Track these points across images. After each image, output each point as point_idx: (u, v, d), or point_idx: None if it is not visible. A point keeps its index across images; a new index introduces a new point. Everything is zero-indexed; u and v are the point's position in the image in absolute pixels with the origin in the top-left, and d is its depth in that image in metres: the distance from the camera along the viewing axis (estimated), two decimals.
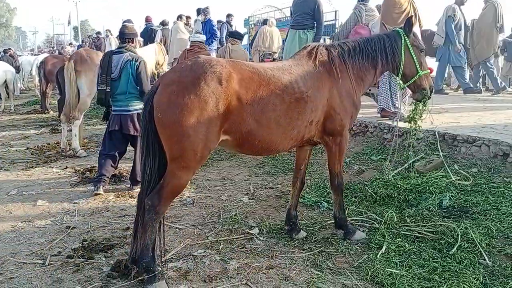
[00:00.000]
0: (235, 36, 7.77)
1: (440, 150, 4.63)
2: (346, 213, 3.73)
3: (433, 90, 3.79)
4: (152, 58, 8.45)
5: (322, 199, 4.53)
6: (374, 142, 5.55)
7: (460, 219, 3.61)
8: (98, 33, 18.77)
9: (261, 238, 3.79)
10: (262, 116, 2.93)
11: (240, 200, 4.77)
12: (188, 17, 11.08)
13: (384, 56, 3.57)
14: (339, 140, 3.46)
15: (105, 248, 3.67)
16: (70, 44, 27.28)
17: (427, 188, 4.09)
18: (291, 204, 3.77)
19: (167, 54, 9.89)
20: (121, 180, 5.60)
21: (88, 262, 3.43)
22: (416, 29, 5.61)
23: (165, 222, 4.05)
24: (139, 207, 3.01)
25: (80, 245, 3.75)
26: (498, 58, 11.07)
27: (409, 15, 5.54)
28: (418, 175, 4.44)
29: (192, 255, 3.52)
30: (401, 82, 3.83)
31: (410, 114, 4.07)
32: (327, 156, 3.59)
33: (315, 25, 6.95)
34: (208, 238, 3.85)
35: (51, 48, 33.53)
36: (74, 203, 4.83)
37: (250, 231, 3.89)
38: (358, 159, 5.36)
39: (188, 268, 3.30)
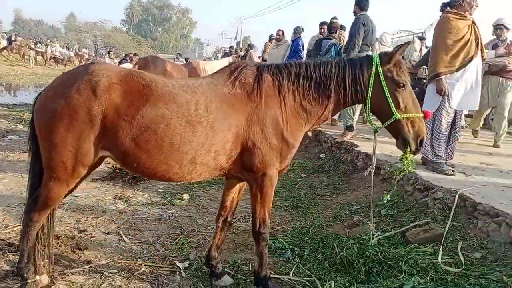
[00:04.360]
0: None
1: (450, 219, 3.52)
2: (267, 269, 3.08)
3: (422, 143, 2.84)
4: None
5: (291, 246, 3.86)
6: (396, 192, 4.53)
7: None
8: (231, 47, 20.46)
9: (183, 275, 3.40)
10: (140, 137, 2.57)
11: (212, 228, 4.37)
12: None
13: (341, 85, 2.83)
14: (260, 180, 2.86)
15: None
16: (222, 55, 29.77)
17: (400, 264, 3.13)
18: (212, 244, 3.29)
19: None
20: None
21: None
22: (477, 60, 4.49)
23: (121, 232, 4.10)
24: None
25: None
26: None
27: (470, 43, 4.45)
28: (404, 245, 3.45)
29: (103, 273, 3.33)
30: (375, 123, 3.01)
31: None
32: (250, 196, 3.02)
33: None
34: (138, 260, 3.60)
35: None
36: (75, 196, 5.05)
37: (178, 264, 3.52)
38: (368, 209, 4.43)
39: (83, 285, 3.12)
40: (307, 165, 6.51)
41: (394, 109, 2.76)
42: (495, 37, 6.94)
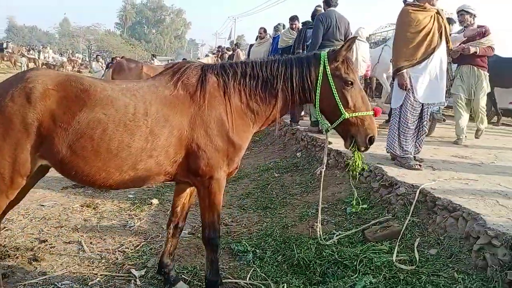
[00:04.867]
0: None
1: (410, 215, 3.45)
2: (218, 274, 3.02)
3: (372, 141, 2.75)
4: None
5: (254, 248, 3.79)
6: (363, 189, 4.46)
7: None
8: (219, 47, 20.61)
9: (138, 283, 3.32)
10: (77, 144, 2.49)
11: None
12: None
13: (289, 85, 2.77)
14: (208, 183, 2.78)
15: None
16: (207, 55, 29.64)
17: (355, 263, 3.06)
18: (164, 251, 3.21)
19: None
20: None
21: None
22: (441, 51, 4.41)
23: (82, 241, 4.02)
24: None
25: None
26: None
27: (432, 34, 4.37)
28: (363, 243, 3.38)
29: (55, 284, 3.26)
30: (327, 121, 2.94)
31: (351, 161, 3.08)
32: (199, 201, 2.95)
33: None
34: (95, 269, 3.53)
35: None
36: (41, 205, 4.99)
37: (134, 272, 3.44)
38: (334, 208, 4.37)
39: None
40: (283, 164, 6.44)
41: (343, 108, 2.69)
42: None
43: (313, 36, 6.35)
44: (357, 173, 3.09)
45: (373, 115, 2.77)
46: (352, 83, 2.71)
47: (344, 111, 2.68)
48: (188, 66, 2.83)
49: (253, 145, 8.36)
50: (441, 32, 4.40)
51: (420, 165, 4.51)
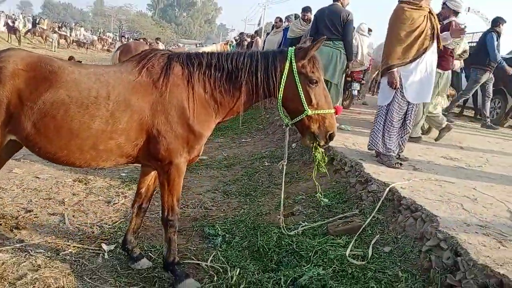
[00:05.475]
0: None
1: (374, 212, 3.47)
2: (175, 254, 3.13)
3: (332, 138, 2.85)
4: None
5: (224, 233, 3.90)
6: (342, 184, 4.49)
7: None
8: (241, 33, 20.68)
9: (106, 257, 3.49)
10: (41, 123, 2.64)
11: (157, 213, 4.44)
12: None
13: (253, 78, 2.84)
14: (167, 168, 2.90)
15: None
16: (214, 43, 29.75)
17: (310, 254, 3.13)
18: (128, 229, 3.36)
19: None
20: None
21: None
22: (431, 51, 4.36)
23: (65, 213, 4.21)
24: None
25: None
26: None
27: (425, 34, 4.31)
28: (323, 235, 3.43)
29: (29, 252, 3.45)
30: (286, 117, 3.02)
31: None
32: (159, 184, 3.06)
33: None
34: (69, 241, 3.71)
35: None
36: (37, 177, 5.22)
37: (104, 246, 3.61)
38: (310, 200, 4.41)
39: (5, 262, 3.24)
40: (277, 153, 6.51)
41: (306, 105, 2.75)
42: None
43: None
44: (320, 168, 3.13)
45: (334, 113, 2.85)
46: (316, 82, 2.78)
47: (307, 108, 2.75)
48: (155, 53, 2.92)
49: (255, 133, 8.44)
50: (433, 32, 4.33)
51: (401, 164, 4.50)
